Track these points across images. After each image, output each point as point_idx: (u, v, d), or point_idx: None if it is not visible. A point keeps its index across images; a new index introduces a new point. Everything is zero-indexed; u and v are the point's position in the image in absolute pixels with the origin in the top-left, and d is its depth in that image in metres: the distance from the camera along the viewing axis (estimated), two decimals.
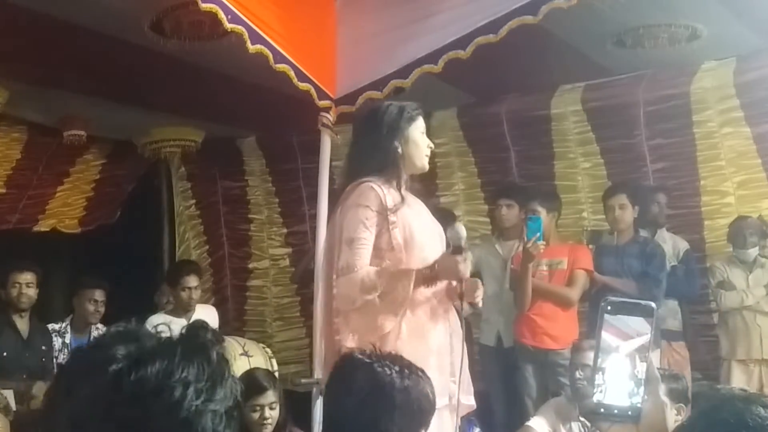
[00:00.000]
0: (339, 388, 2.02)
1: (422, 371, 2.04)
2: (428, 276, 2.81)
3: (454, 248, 2.81)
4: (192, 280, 5.41)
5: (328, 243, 3.04)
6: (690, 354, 5.28)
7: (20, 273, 5.11)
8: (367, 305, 2.79)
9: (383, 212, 2.87)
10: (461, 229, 2.86)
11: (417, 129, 3.02)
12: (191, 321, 5.24)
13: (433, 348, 2.86)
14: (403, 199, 2.93)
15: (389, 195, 2.90)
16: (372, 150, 2.98)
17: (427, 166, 3.07)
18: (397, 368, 1.98)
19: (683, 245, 5.36)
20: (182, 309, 5.40)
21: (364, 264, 2.82)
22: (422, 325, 2.88)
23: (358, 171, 2.98)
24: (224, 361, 1.10)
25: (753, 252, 5.18)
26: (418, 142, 3.02)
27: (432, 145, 3.07)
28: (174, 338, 1.10)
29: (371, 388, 1.93)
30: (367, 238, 2.83)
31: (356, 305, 2.82)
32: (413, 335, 2.83)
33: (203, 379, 1.06)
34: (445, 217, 5.54)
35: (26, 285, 5.11)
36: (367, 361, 1.99)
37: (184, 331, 1.13)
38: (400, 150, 2.96)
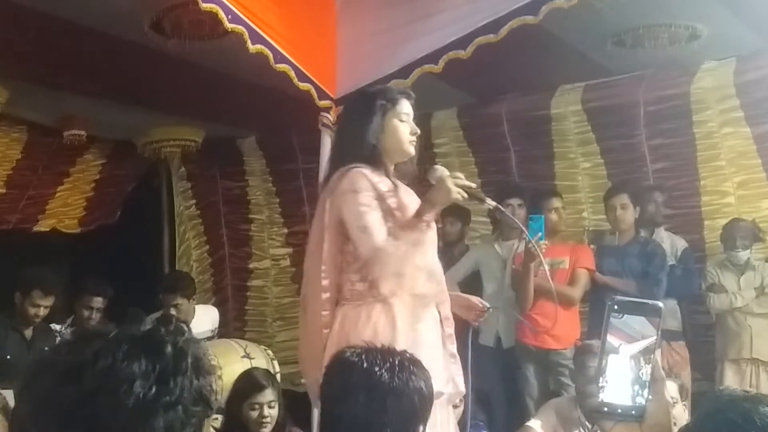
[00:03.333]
0: (332, 389, 1.99)
1: (416, 363, 2.00)
2: (426, 210, 2.75)
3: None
4: (168, 299, 5.32)
5: (315, 235, 2.89)
6: (690, 354, 5.29)
7: (45, 296, 4.97)
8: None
9: (380, 198, 2.77)
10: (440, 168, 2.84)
11: (394, 117, 2.87)
12: (191, 322, 5.31)
13: (425, 341, 2.78)
14: (396, 186, 2.85)
15: (381, 182, 2.81)
16: (352, 140, 2.88)
17: (411, 152, 2.91)
18: (387, 365, 1.93)
19: (681, 244, 5.36)
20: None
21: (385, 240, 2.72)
22: (415, 317, 2.81)
23: (341, 160, 2.87)
24: (181, 354, 1.07)
25: (744, 255, 5.18)
26: (397, 132, 2.86)
27: (417, 131, 2.90)
28: (124, 335, 1.09)
29: (363, 388, 1.90)
30: (375, 218, 2.73)
31: (405, 277, 2.76)
32: (407, 329, 2.76)
33: (152, 372, 1.04)
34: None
35: (44, 308, 5.03)
36: (356, 360, 1.95)
37: (142, 328, 1.12)
38: (375, 142, 2.84)
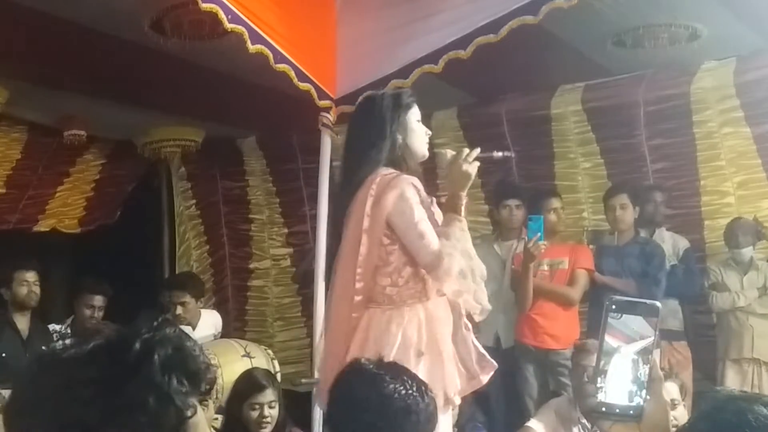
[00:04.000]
0: (356, 404, 1.96)
1: (425, 383, 2.04)
2: (456, 203, 2.87)
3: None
4: (176, 296, 5.31)
5: (351, 237, 2.87)
6: (692, 353, 5.28)
7: (26, 271, 5.07)
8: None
9: (425, 205, 2.84)
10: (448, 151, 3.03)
11: (414, 116, 2.97)
12: (197, 328, 5.30)
13: (447, 348, 2.87)
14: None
15: (422, 189, 2.87)
16: (377, 141, 2.89)
17: (427, 153, 3.02)
18: (416, 387, 1.96)
19: (683, 244, 5.35)
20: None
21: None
22: (439, 322, 2.87)
23: (368, 163, 2.88)
24: (148, 352, 1.04)
25: (747, 252, 5.18)
26: (417, 130, 2.97)
27: (429, 132, 3.03)
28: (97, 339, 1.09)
29: (401, 412, 1.91)
30: (428, 225, 2.80)
31: (460, 287, 2.83)
32: (433, 328, 2.83)
33: (109, 372, 1.03)
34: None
35: (33, 283, 5.09)
36: (388, 383, 1.93)
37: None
38: (401, 141, 2.91)
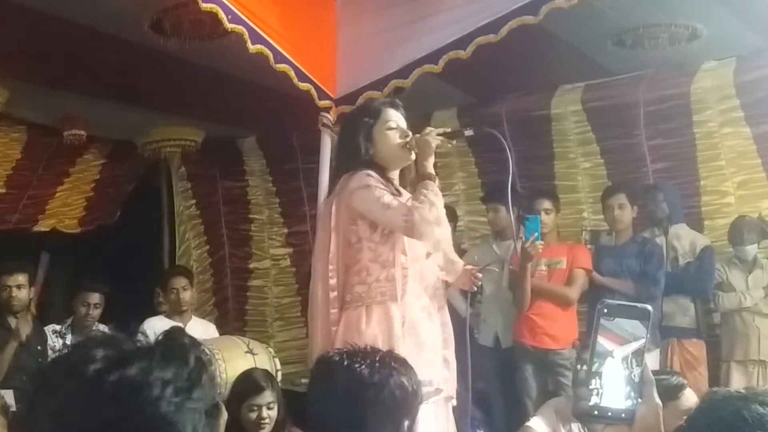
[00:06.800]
0: (318, 389, 2.02)
1: (398, 360, 2.02)
2: (423, 172, 2.96)
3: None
4: (178, 281, 5.37)
5: (322, 238, 3.03)
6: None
7: (10, 275, 4.98)
8: None
9: (390, 190, 2.91)
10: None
11: (382, 127, 3.01)
12: (187, 326, 5.30)
13: (426, 342, 2.90)
14: (398, 191, 2.98)
15: (385, 183, 2.95)
16: (348, 156, 3.04)
17: (407, 156, 3.02)
18: (368, 362, 1.96)
19: (702, 242, 5.27)
20: (174, 311, 5.39)
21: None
22: (416, 321, 2.91)
23: (339, 174, 3.06)
24: (202, 365, 1.11)
25: (751, 249, 5.16)
26: (386, 140, 3.00)
27: (408, 133, 3.01)
28: (152, 342, 1.12)
29: (346, 386, 1.93)
30: (392, 198, 2.86)
31: (437, 236, 2.89)
32: (408, 331, 2.87)
33: (182, 378, 1.07)
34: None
35: (17, 287, 4.98)
36: (337, 359, 1.99)
37: (161, 336, 1.15)
38: (368, 157, 2.99)
